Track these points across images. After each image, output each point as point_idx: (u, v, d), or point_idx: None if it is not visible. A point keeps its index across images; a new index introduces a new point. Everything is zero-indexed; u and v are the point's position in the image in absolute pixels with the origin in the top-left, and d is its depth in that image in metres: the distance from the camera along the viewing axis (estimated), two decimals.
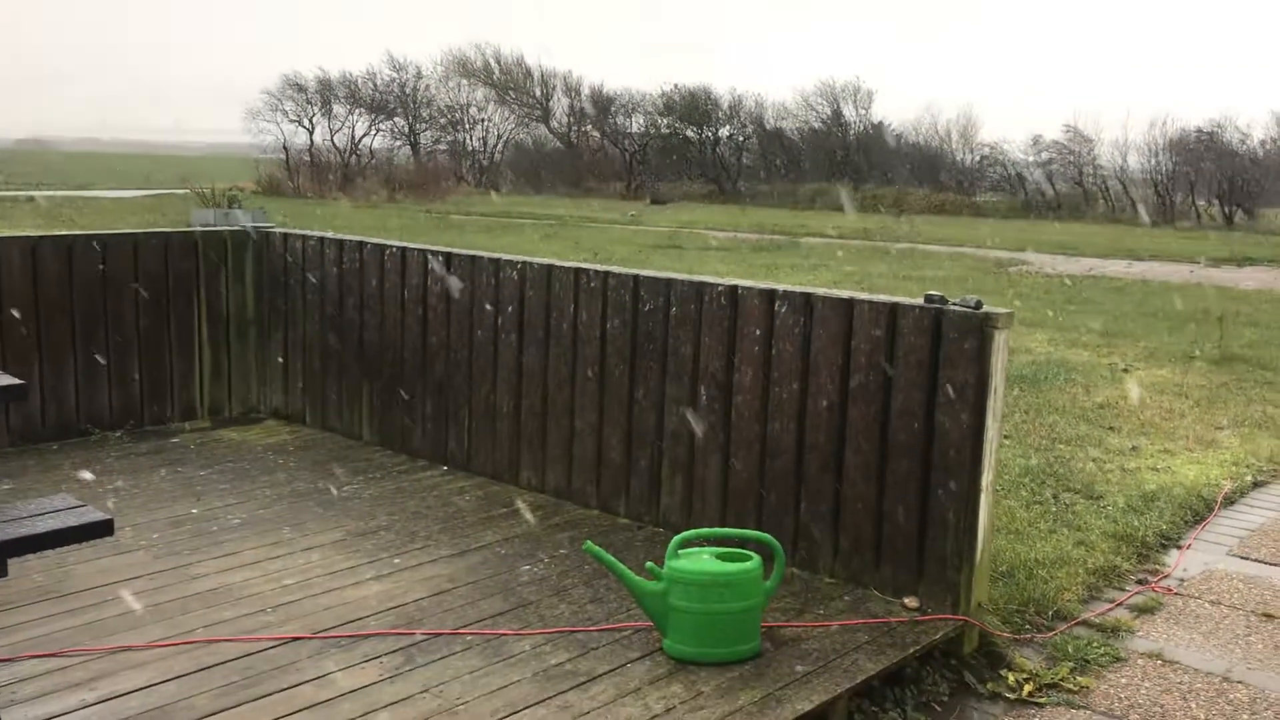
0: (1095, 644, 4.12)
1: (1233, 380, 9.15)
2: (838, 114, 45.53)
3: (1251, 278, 18.55)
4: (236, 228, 6.56)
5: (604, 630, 3.72)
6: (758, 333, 4.34)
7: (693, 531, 3.80)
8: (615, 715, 3.18)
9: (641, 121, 48.34)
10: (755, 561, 3.63)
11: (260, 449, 5.79)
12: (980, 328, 3.80)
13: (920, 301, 3.97)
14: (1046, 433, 7.17)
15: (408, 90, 48.44)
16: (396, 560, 4.30)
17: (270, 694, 3.24)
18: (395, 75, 48.26)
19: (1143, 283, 17.04)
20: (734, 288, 4.43)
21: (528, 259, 5.18)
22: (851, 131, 45.30)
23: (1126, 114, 67.82)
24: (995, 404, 3.85)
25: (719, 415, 4.48)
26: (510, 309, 5.17)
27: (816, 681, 3.42)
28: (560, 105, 49.92)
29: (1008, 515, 5.39)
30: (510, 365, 5.21)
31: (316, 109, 46.46)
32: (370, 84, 47.53)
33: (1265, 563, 5.11)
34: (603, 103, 48.70)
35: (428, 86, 49.04)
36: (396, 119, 48.42)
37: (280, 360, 6.29)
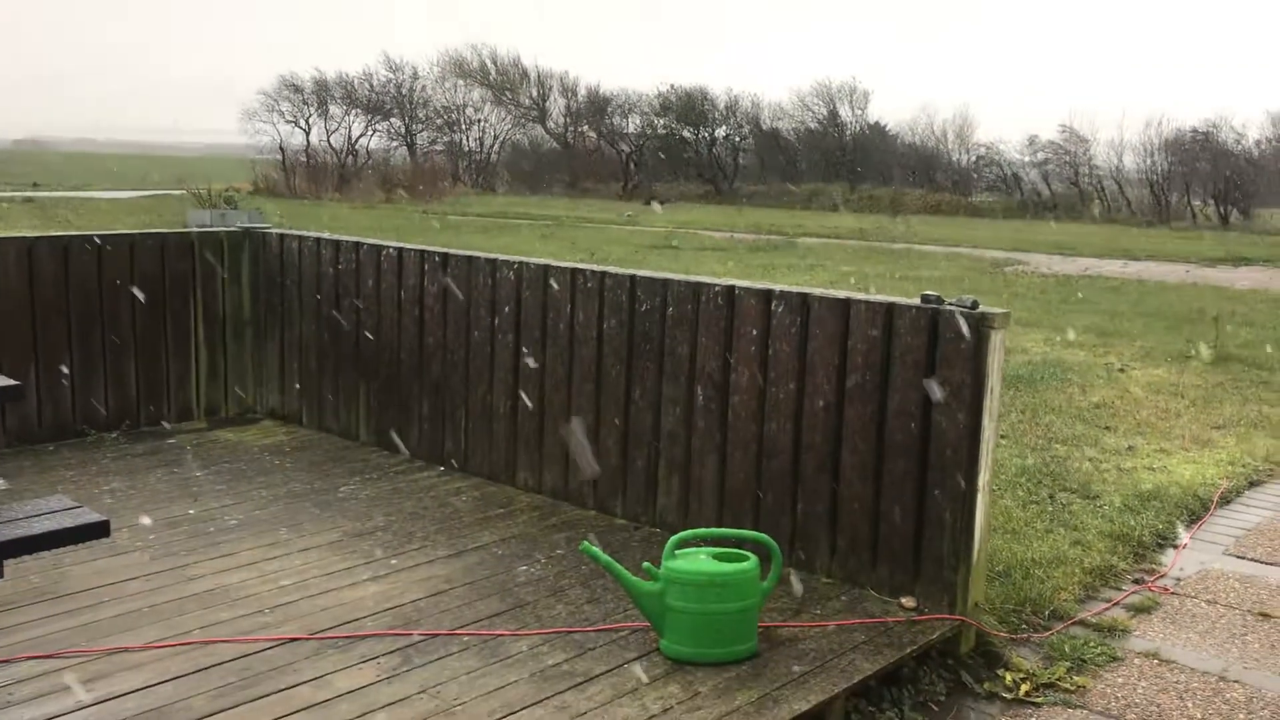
0: (1092, 644, 4.13)
1: (1228, 380, 9.16)
2: (834, 114, 45.57)
3: (1247, 277, 18.58)
4: (233, 228, 6.56)
5: (601, 631, 3.72)
6: (754, 333, 4.34)
7: (689, 532, 3.80)
8: (612, 716, 3.18)
9: (638, 122, 48.38)
10: (752, 562, 3.63)
11: (257, 450, 5.79)
12: (977, 328, 3.81)
13: (917, 302, 3.97)
14: (1043, 432, 7.18)
15: (404, 91, 48.45)
16: (393, 561, 4.29)
17: (267, 695, 3.23)
18: (392, 76, 48.27)
19: (1139, 282, 17.06)
20: (731, 288, 4.43)
21: (524, 259, 5.18)
22: (848, 132, 45.34)
23: (1122, 114, 67.96)
24: (992, 404, 3.86)
25: (716, 415, 4.48)
26: (507, 309, 5.17)
27: (813, 682, 3.42)
28: (557, 106, 49.94)
29: (1004, 515, 5.39)
30: (507, 365, 5.21)
31: (313, 109, 46.46)
32: (367, 85, 47.54)
33: (1261, 562, 5.12)
34: (599, 103, 48.72)
35: (424, 87, 49.06)
36: (393, 120, 48.42)
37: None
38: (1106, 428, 7.39)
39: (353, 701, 3.21)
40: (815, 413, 4.20)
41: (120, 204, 29.20)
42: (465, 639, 3.63)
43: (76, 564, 4.12)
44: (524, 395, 5.15)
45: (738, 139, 47.09)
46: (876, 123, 45.89)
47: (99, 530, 3.16)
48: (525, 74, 49.95)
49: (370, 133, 47.65)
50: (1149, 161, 37.09)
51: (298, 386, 6.25)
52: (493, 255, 5.33)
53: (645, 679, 3.40)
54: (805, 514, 4.26)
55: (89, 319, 5.86)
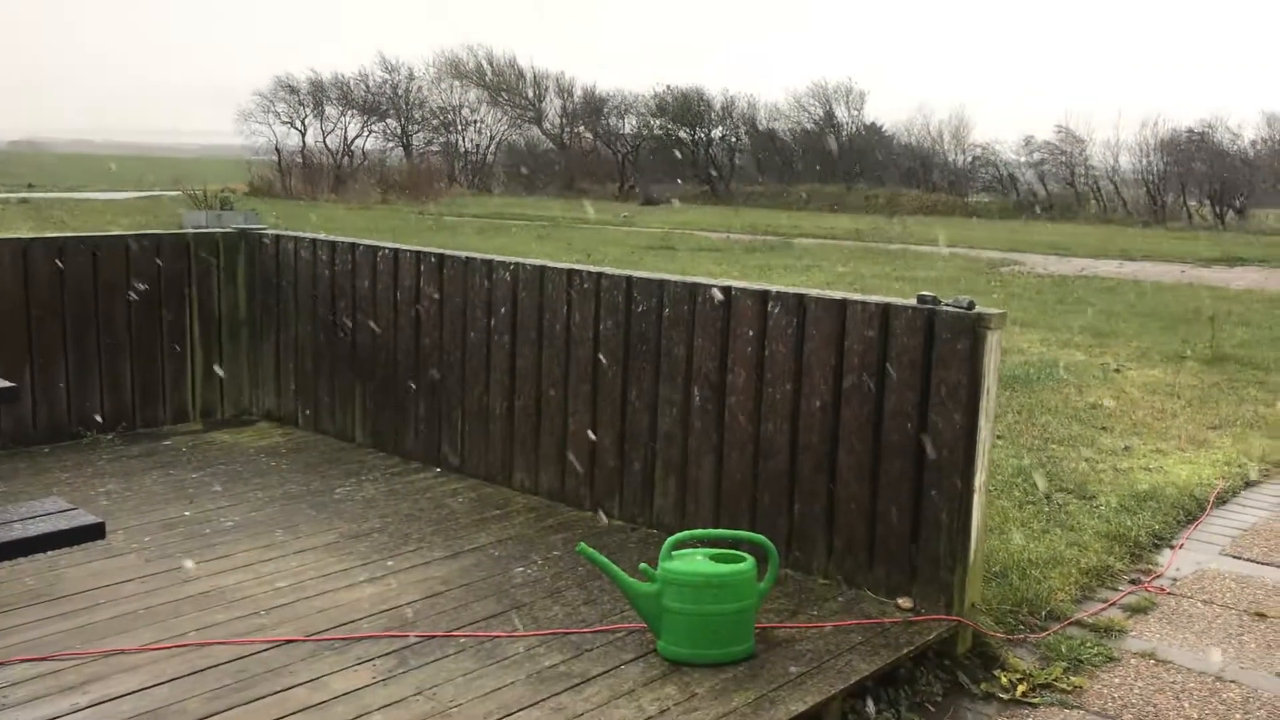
0: (1088, 644, 4.13)
1: (1224, 380, 9.17)
2: (830, 115, 45.62)
3: (1242, 278, 18.61)
4: (228, 229, 6.55)
5: (598, 632, 3.72)
6: (751, 333, 4.34)
7: (686, 533, 3.80)
8: (609, 717, 3.17)
9: (634, 123, 48.41)
10: (749, 563, 3.63)
11: (253, 451, 5.78)
12: (973, 328, 3.81)
13: (913, 302, 3.97)
14: (1039, 433, 7.19)
15: (400, 92, 48.45)
16: (390, 562, 4.29)
17: (263, 697, 3.23)
18: (388, 77, 48.28)
19: (1134, 283, 17.08)
20: (727, 289, 4.43)
21: (520, 260, 5.17)
22: (844, 132, 45.38)
23: (1118, 114, 67.89)
24: (988, 404, 3.86)
25: (712, 416, 4.48)
26: (503, 310, 5.17)
27: (810, 682, 3.42)
28: (553, 106, 49.96)
29: (1001, 515, 5.39)
30: (503, 367, 5.20)
31: (309, 110, 46.45)
32: (362, 85, 47.54)
33: (1257, 562, 5.13)
34: (595, 104, 48.73)
35: (420, 88, 49.07)
36: (389, 120, 48.42)
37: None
38: (1103, 428, 7.40)
39: (349, 703, 3.21)
40: (812, 413, 4.19)
41: (116, 205, 29.16)
42: (462, 640, 3.63)
43: (72, 566, 4.11)
44: (520, 397, 5.14)
45: (734, 140, 47.13)
46: (873, 123, 45.98)
47: (94, 532, 3.15)
48: (521, 74, 49.98)
49: (366, 133, 47.67)
50: (1145, 162, 37.19)
51: (293, 388, 6.24)
52: (489, 256, 5.33)
53: (642, 680, 3.40)
54: (802, 515, 4.25)
55: (84, 320, 5.85)
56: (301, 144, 45.58)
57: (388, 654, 3.52)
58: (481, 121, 50.17)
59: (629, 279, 4.73)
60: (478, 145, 50.16)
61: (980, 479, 3.88)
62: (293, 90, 46.16)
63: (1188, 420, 7.70)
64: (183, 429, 6.16)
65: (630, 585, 3.64)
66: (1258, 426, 7.58)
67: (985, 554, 4.26)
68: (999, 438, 6.87)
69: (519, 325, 5.11)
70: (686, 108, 46.64)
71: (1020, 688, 3.78)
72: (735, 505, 4.44)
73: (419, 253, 5.56)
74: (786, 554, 4.25)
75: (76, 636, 3.57)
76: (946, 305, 3.89)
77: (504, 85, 49.93)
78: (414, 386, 5.60)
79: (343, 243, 5.93)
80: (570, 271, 4.93)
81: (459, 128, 49.91)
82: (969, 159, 43.80)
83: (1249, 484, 6.32)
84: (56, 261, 5.73)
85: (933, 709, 3.65)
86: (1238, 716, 3.65)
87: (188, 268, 6.18)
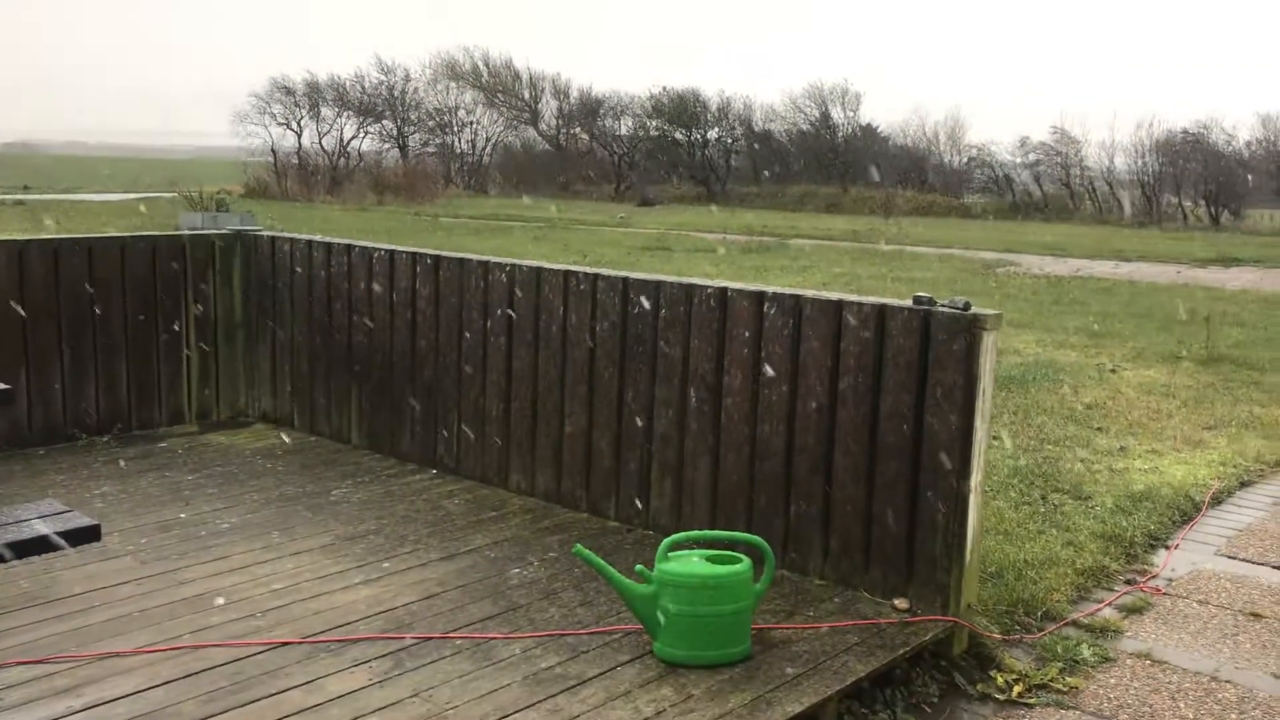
0: (1084, 644, 4.13)
1: (1219, 380, 9.18)
2: (826, 116, 45.65)
3: (1238, 278, 18.64)
4: (224, 231, 6.54)
5: (594, 633, 3.72)
6: (747, 335, 4.34)
7: (682, 534, 3.80)
8: (605, 719, 3.17)
9: (630, 124, 48.41)
10: (745, 564, 3.63)
11: (249, 453, 5.77)
12: (969, 329, 3.81)
13: (909, 303, 3.97)
14: (1035, 433, 7.19)
15: (396, 93, 48.41)
16: (385, 564, 4.28)
17: (259, 699, 3.22)
18: (383, 78, 48.23)
19: (1130, 283, 17.11)
20: (723, 290, 4.43)
21: (516, 261, 5.17)
22: (840, 133, 45.42)
23: (1113, 115, 68.18)
24: (984, 405, 3.86)
25: (708, 418, 4.48)
26: (499, 312, 5.17)
27: (806, 683, 3.42)
28: (549, 108, 49.95)
29: (997, 516, 5.40)
30: (499, 368, 5.20)
31: (304, 112, 46.39)
32: (358, 87, 47.48)
33: (1253, 562, 5.13)
34: (591, 105, 48.73)
35: (416, 89, 49.04)
36: (385, 122, 48.37)
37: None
38: (1098, 428, 7.41)
39: (344, 706, 3.20)
40: (808, 414, 4.20)
41: (111, 206, 29.13)
42: (458, 642, 3.63)
43: (67, 568, 4.10)
44: (516, 398, 5.14)
45: (730, 141, 47.14)
46: (868, 124, 46.01)
47: (90, 535, 3.14)
48: (517, 76, 49.97)
49: (362, 135, 47.60)
50: (1140, 162, 37.24)
51: (289, 390, 6.23)
52: (485, 257, 5.33)
53: (638, 682, 3.39)
54: (798, 516, 4.25)
55: (80, 322, 5.84)
56: (297, 145, 45.53)
57: (384, 656, 3.52)
58: (477, 123, 50.17)
59: (625, 280, 4.73)
60: (474, 146, 50.16)
61: (976, 480, 3.89)
62: (289, 92, 46.12)
63: (1183, 421, 7.71)
64: (179, 431, 6.15)
65: (626, 587, 3.64)
66: (1253, 427, 7.59)
67: (981, 555, 4.27)
68: (995, 438, 6.88)
69: (515, 327, 5.11)
70: (682, 109, 46.65)
71: (1016, 688, 3.78)
72: (731, 506, 4.44)
73: (415, 254, 5.56)
74: (783, 555, 4.25)
75: (71, 639, 3.56)
76: (942, 306, 3.90)
77: (500, 86, 49.92)
78: (410, 388, 5.59)
79: (338, 244, 5.93)
80: (566, 273, 4.93)
81: (455, 129, 49.90)
82: (964, 160, 43.87)
83: (1244, 484, 6.33)
84: (51, 263, 5.72)
85: (929, 710, 3.65)
86: (1233, 716, 3.66)
87: (183, 269, 6.18)
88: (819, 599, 4.05)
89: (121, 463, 5.52)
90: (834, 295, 4.20)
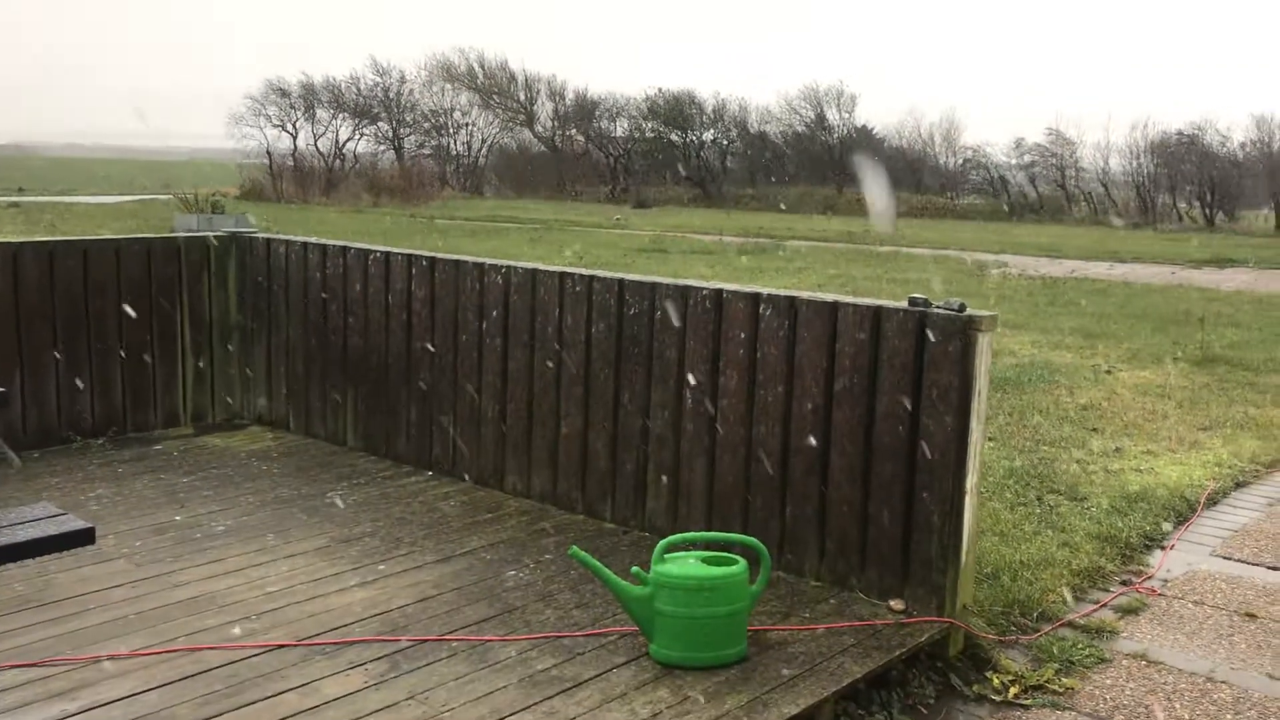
0: (1080, 645, 4.14)
1: (1214, 381, 9.20)
2: (821, 118, 45.69)
3: (1233, 279, 18.67)
4: (219, 233, 6.53)
5: (590, 635, 3.71)
6: (742, 336, 4.34)
7: (679, 536, 3.80)
8: None
9: (626, 125, 48.44)
10: (741, 565, 3.63)
11: (244, 455, 5.76)
12: (964, 330, 3.81)
13: (904, 305, 3.98)
14: (1030, 434, 7.20)
15: (391, 95, 48.40)
16: (381, 566, 4.28)
17: (254, 702, 3.22)
18: (379, 80, 48.22)
19: (1125, 284, 17.13)
20: (719, 291, 4.43)
21: (512, 263, 5.17)
22: (835, 135, 45.47)
23: (1108, 117, 68.29)
24: (979, 406, 3.86)
25: (704, 419, 4.48)
26: (495, 313, 5.16)
27: (803, 685, 3.42)
28: (544, 109, 49.96)
29: (992, 517, 5.40)
30: (495, 370, 5.20)
31: (300, 114, 46.37)
32: (354, 88, 47.47)
33: (1248, 563, 5.14)
34: (587, 107, 48.75)
35: (411, 91, 49.02)
36: (380, 123, 48.36)
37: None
38: (1094, 429, 7.42)
39: (340, 708, 3.20)
40: (804, 416, 4.20)
41: (107, 209, 29.09)
42: (454, 645, 3.62)
43: (61, 571, 4.09)
44: (512, 400, 5.14)
45: (725, 143, 47.18)
46: (864, 126, 46.07)
47: (84, 537, 3.13)
48: (513, 77, 49.98)
49: (357, 136, 47.60)
50: (1135, 164, 37.32)
51: (285, 392, 6.23)
52: (480, 259, 5.32)
53: (634, 684, 3.39)
54: (794, 517, 4.25)
55: (74, 324, 5.83)
56: (293, 147, 45.50)
57: (379, 658, 3.51)
58: (473, 124, 50.17)
59: (621, 282, 4.72)
60: (469, 148, 50.15)
61: (972, 481, 3.89)
62: (284, 93, 46.10)
63: (1178, 421, 7.72)
64: (174, 433, 6.14)
65: (622, 588, 3.63)
66: (1248, 428, 7.60)
67: (977, 556, 4.27)
68: (990, 439, 6.88)
69: (511, 328, 5.11)
70: (678, 111, 46.68)
71: (1012, 689, 3.78)
72: (727, 508, 4.44)
73: (410, 256, 5.55)
74: (779, 556, 4.25)
75: (66, 642, 3.55)
76: (938, 308, 3.90)
77: (495, 88, 49.92)
78: (405, 390, 5.59)
79: (333, 246, 5.92)
80: (562, 274, 4.92)
81: (450, 131, 49.90)
82: (959, 161, 43.94)
83: (1239, 485, 6.34)
84: (46, 265, 5.71)
85: (925, 711, 3.66)
86: (1228, 717, 3.66)
87: (179, 271, 6.17)
88: (815, 600, 4.05)
89: (117, 466, 5.51)
90: (829, 297, 4.21)
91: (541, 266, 5.07)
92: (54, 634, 3.61)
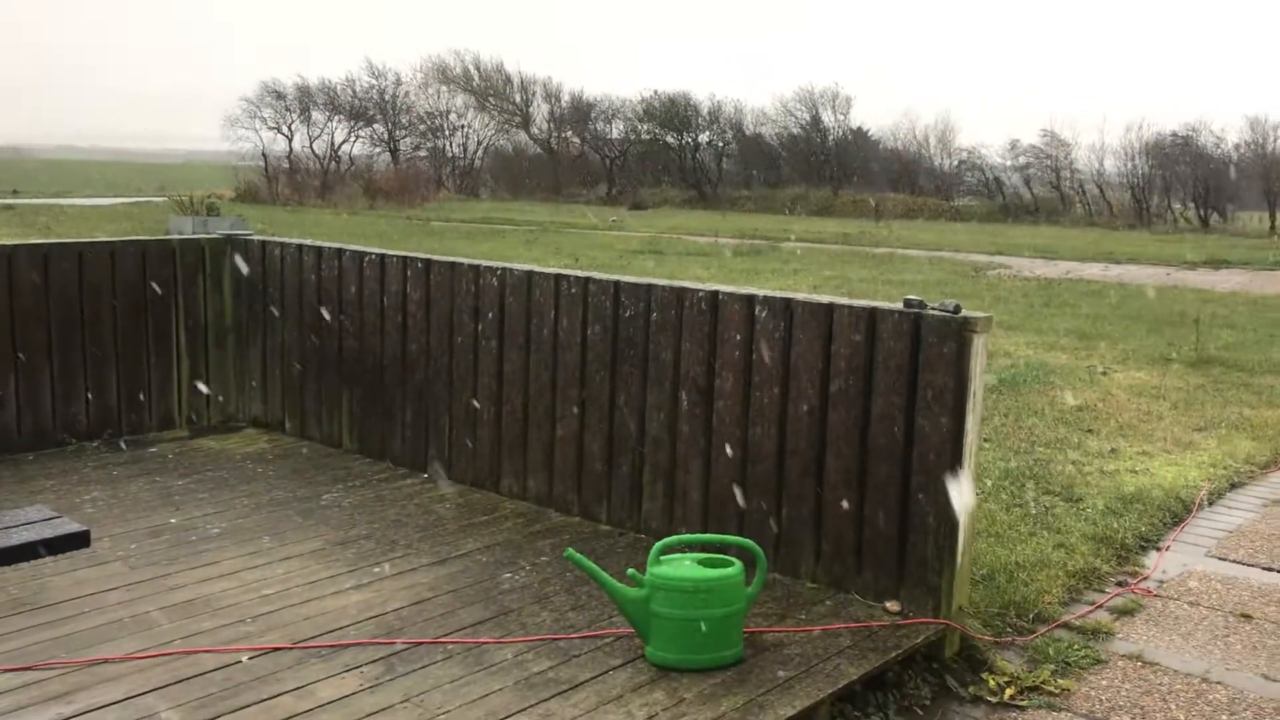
0: (1076, 646, 4.14)
1: (1209, 382, 9.21)
2: (816, 120, 45.73)
3: (1227, 280, 18.71)
4: (215, 235, 6.53)
5: (586, 638, 3.71)
6: (738, 338, 4.34)
7: (674, 538, 3.80)
8: None
9: (621, 127, 48.46)
10: (737, 567, 3.63)
11: (239, 458, 5.75)
12: (959, 332, 3.81)
13: (899, 306, 3.98)
14: (1026, 436, 7.21)
15: (387, 97, 48.39)
16: (377, 569, 4.27)
17: (249, 705, 3.21)
18: (374, 82, 48.23)
19: (1120, 286, 17.15)
20: (714, 293, 4.43)
21: (508, 265, 5.17)
22: (830, 137, 45.51)
23: (1103, 118, 68.30)
24: (974, 407, 3.87)
25: (700, 421, 4.48)
26: (490, 315, 5.16)
27: (799, 686, 3.42)
28: (540, 111, 49.97)
29: (988, 518, 5.41)
30: (491, 372, 5.19)
31: (295, 116, 46.37)
32: (349, 90, 47.47)
33: (1243, 564, 5.15)
34: (582, 109, 48.76)
35: (407, 93, 49.02)
36: (376, 126, 48.35)
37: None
38: (1089, 430, 7.42)
39: (336, 711, 3.19)
40: (799, 417, 4.20)
41: (102, 211, 29.05)
42: (449, 647, 3.62)
43: (56, 574, 4.09)
44: (508, 402, 5.14)
45: (721, 144, 47.21)
46: (859, 128, 46.11)
47: (79, 540, 3.13)
48: (508, 79, 49.99)
49: (353, 139, 47.61)
50: (1130, 165, 37.38)
51: (280, 394, 6.22)
52: (475, 261, 5.32)
53: (630, 686, 3.39)
54: (790, 519, 4.25)
55: (69, 327, 5.82)
56: (288, 149, 45.51)
57: (375, 661, 3.51)
58: (469, 126, 50.18)
59: (616, 284, 4.72)
60: (465, 150, 50.15)
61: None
62: (279, 96, 46.09)
63: (1173, 422, 7.73)
64: (169, 436, 6.13)
65: (618, 590, 3.63)
66: (1242, 428, 7.61)
67: (972, 557, 4.27)
68: (986, 440, 6.89)
69: (506, 330, 5.11)
70: (674, 112, 46.70)
71: (1008, 691, 3.78)
72: (723, 509, 4.43)
73: (405, 258, 5.55)
74: (774, 558, 4.25)
75: (61, 645, 3.54)
76: (933, 309, 3.90)
77: (491, 90, 49.92)
78: (401, 392, 5.59)
79: (329, 248, 5.92)
80: (558, 276, 4.92)
81: (446, 133, 49.90)
82: (955, 163, 43.99)
83: (1234, 486, 6.35)
84: (41, 268, 5.70)
85: (921, 712, 3.66)
86: (1224, 717, 3.67)
87: (174, 274, 6.16)
88: (811, 602, 4.05)
89: (112, 468, 5.51)
90: (825, 298, 4.21)
91: (537, 269, 5.07)
92: (49, 637, 3.60)
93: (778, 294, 4.30)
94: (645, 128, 47.54)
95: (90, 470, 5.46)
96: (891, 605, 3.99)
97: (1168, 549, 5.31)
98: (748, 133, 46.81)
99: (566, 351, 4.88)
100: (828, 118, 45.61)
